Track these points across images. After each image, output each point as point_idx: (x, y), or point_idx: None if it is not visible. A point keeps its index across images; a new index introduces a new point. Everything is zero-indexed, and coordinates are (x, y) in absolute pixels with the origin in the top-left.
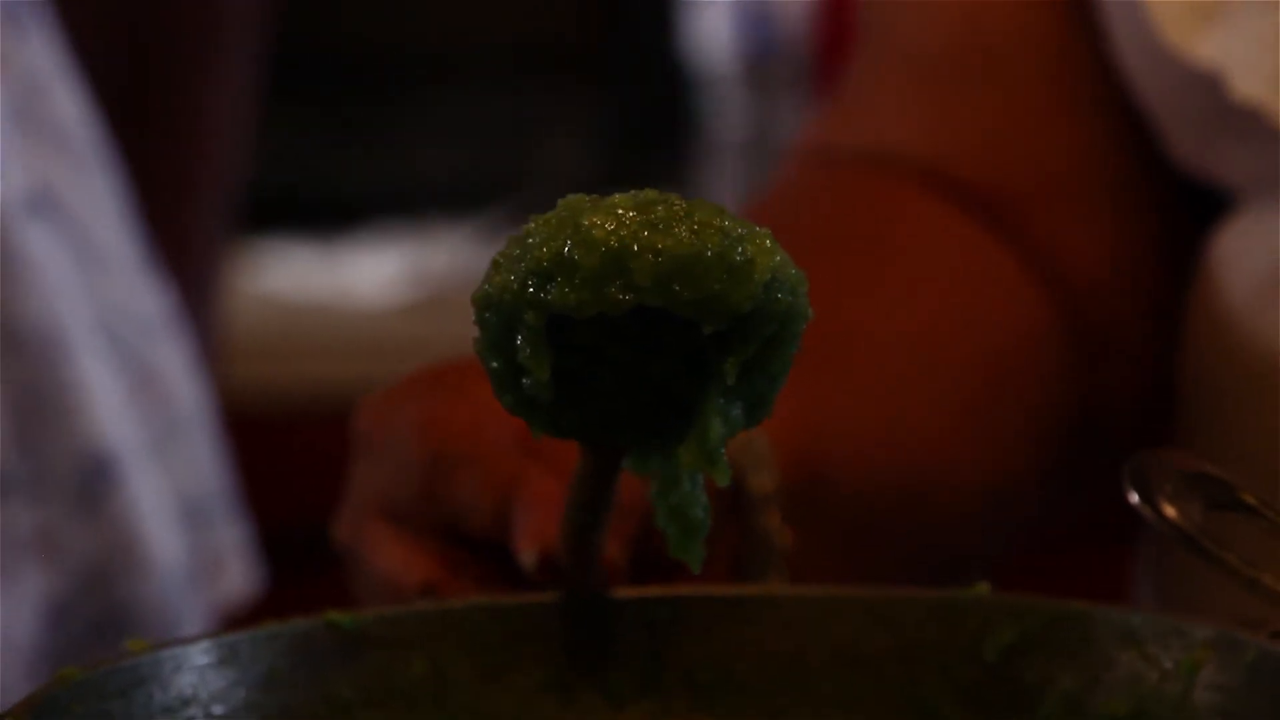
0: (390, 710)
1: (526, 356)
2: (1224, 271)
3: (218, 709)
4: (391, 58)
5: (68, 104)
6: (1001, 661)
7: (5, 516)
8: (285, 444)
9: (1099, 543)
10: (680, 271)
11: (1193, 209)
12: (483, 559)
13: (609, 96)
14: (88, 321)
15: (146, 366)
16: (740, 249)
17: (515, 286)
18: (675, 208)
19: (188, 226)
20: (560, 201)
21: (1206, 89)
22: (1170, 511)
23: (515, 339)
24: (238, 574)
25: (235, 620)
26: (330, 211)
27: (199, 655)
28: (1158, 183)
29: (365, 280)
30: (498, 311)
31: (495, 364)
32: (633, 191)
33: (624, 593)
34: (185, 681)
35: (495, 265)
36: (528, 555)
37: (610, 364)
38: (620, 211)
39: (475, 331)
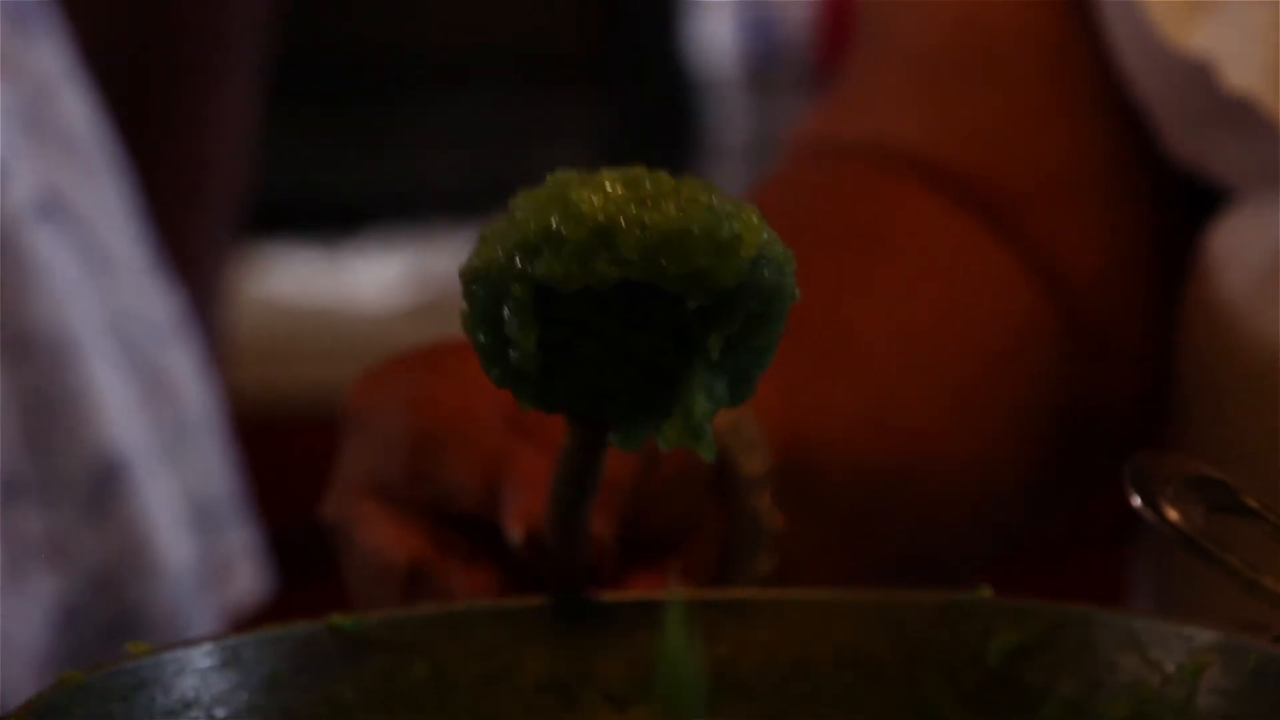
0: (392, 712)
1: (513, 328)
2: (1221, 267)
3: (220, 712)
4: (394, 62)
5: (75, 107)
6: (1004, 665)
7: (15, 520)
8: (288, 447)
9: (1099, 543)
10: (667, 246)
11: (1191, 208)
12: (471, 538)
13: (611, 100)
14: (97, 325)
15: (156, 370)
16: (727, 225)
17: (502, 259)
18: (663, 183)
19: (193, 231)
20: (549, 176)
21: (1201, 83)
22: (1172, 514)
23: (503, 312)
24: (248, 577)
25: (237, 623)
26: (333, 215)
27: (201, 658)
28: (1156, 182)
29: (368, 284)
30: (485, 285)
31: (482, 337)
32: (621, 168)
33: (626, 595)
34: (187, 684)
35: (483, 239)
36: (516, 534)
37: (597, 338)
38: (608, 187)
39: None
